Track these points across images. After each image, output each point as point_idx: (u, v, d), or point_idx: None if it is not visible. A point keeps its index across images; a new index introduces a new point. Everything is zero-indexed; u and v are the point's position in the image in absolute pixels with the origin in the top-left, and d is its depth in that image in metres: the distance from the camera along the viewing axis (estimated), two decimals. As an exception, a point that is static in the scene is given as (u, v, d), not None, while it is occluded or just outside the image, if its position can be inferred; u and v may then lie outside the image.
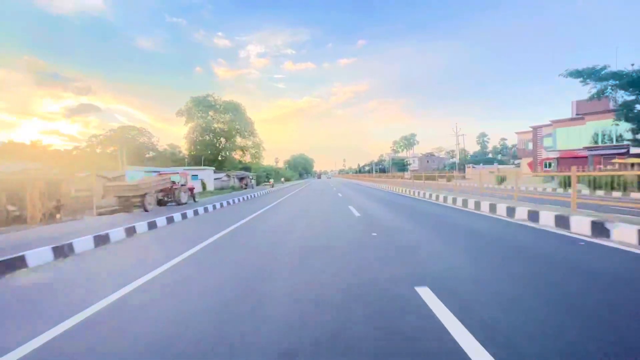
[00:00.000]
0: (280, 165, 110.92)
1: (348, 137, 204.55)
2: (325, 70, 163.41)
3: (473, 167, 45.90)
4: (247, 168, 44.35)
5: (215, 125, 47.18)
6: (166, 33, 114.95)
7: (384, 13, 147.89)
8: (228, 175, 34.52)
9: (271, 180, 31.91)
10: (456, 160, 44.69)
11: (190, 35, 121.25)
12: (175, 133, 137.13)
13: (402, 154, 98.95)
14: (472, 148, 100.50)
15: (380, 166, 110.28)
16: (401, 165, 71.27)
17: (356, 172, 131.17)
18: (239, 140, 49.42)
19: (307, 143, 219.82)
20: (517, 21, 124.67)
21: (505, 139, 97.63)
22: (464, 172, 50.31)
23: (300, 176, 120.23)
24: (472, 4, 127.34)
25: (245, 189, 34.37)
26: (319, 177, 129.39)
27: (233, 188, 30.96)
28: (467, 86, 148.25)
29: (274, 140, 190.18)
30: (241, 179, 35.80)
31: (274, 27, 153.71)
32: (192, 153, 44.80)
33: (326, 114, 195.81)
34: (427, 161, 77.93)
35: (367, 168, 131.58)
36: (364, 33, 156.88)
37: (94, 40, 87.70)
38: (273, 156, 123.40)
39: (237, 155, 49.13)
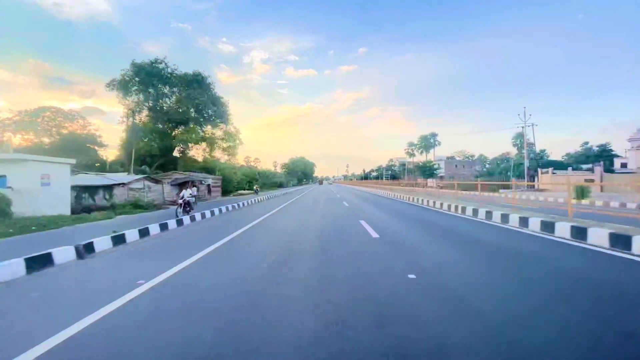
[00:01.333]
0: (279, 169, 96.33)
1: (350, 143, 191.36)
2: (326, 76, 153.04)
3: (553, 173, 30.72)
4: (209, 169, 28.94)
5: (168, 106, 31.93)
6: (171, 38, 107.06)
7: (385, 20, 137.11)
8: (155, 181, 19.10)
9: (180, 201, 10.69)
10: (525, 162, 29.31)
11: (196, 40, 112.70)
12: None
13: (417, 158, 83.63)
14: (495, 152, 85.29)
15: (391, 172, 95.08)
16: (425, 171, 55.58)
17: (361, 178, 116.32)
18: (205, 128, 34.04)
19: (308, 149, 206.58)
20: (517, 24, 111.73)
21: (532, 144, 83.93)
22: (533, 179, 34.97)
23: (299, 182, 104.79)
24: (472, 11, 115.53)
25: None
26: (321, 183, 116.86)
27: (135, 206, 15.19)
28: (471, 90, 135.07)
29: (275, 146, 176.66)
30: (181, 185, 20.32)
31: (277, 34, 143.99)
32: (127, 143, 29.13)
33: (328, 120, 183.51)
34: (456, 166, 62.43)
35: (374, 174, 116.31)
36: (365, 40, 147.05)
37: (100, 45, 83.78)
38: (273, 161, 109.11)
39: (199, 150, 33.66)
